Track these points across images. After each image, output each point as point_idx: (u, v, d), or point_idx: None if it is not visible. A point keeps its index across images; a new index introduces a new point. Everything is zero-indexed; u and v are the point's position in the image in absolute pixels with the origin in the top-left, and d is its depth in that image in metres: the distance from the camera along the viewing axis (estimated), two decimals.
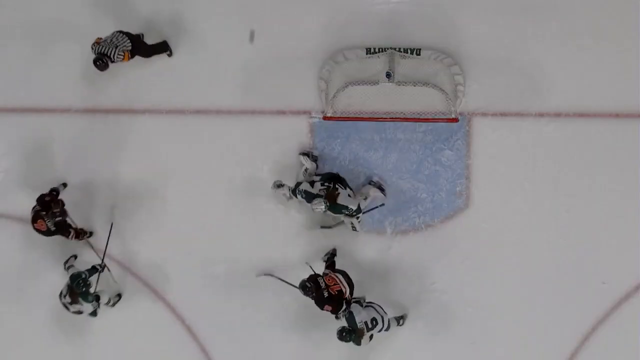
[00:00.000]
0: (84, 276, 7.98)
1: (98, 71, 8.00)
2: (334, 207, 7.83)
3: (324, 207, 7.74)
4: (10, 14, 8.69)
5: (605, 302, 8.43)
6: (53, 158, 8.65)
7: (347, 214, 7.99)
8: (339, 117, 8.32)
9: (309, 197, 7.86)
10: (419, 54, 8.25)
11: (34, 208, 8.03)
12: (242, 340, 8.67)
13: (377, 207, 8.31)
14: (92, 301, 8.11)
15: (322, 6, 8.51)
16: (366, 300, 8.06)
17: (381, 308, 7.97)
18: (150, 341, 8.72)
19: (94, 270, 8.18)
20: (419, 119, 8.28)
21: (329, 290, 7.72)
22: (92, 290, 8.07)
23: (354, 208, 7.90)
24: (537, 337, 8.48)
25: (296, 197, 8.06)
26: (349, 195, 7.93)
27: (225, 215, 8.62)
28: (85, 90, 8.65)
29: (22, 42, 8.68)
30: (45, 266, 8.73)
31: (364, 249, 8.52)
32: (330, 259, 8.29)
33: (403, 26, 8.43)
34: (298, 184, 8.04)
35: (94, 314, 8.31)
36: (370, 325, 7.75)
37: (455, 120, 8.19)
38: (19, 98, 8.70)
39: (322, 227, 8.49)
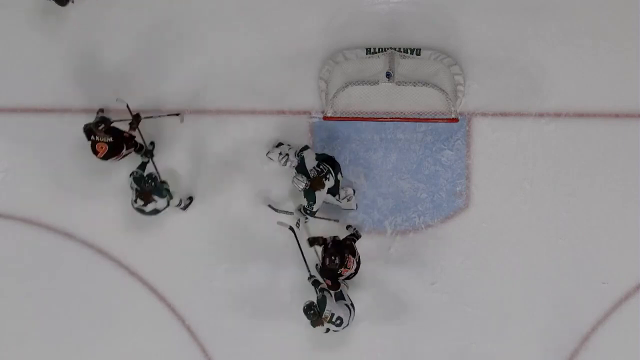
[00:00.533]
0: (143, 174, 7.94)
1: (60, 7, 8.16)
2: (308, 194, 7.75)
3: (302, 187, 7.65)
4: (11, 14, 8.68)
5: (605, 302, 8.42)
6: (53, 158, 8.64)
7: (302, 210, 7.98)
8: (339, 117, 8.30)
9: (300, 168, 7.74)
10: (419, 54, 8.25)
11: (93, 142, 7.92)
12: (242, 340, 8.66)
13: (330, 219, 8.37)
14: (166, 195, 8.03)
15: (322, 6, 8.51)
16: (349, 295, 7.99)
17: (354, 315, 7.86)
18: (150, 341, 8.72)
19: (143, 165, 8.11)
20: (419, 119, 8.27)
21: (341, 271, 7.68)
22: (159, 181, 8.01)
23: (312, 210, 7.83)
24: (537, 337, 8.48)
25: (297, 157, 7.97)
26: (328, 192, 7.83)
27: (225, 215, 8.61)
28: (85, 90, 8.64)
29: (23, 42, 8.68)
30: (42, 267, 8.74)
31: (364, 249, 8.50)
32: (353, 235, 8.18)
33: (403, 26, 8.43)
34: (305, 147, 7.91)
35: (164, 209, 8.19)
36: (332, 320, 7.66)
37: (455, 120, 8.18)
38: (19, 98, 8.70)
39: (269, 206, 8.50)
